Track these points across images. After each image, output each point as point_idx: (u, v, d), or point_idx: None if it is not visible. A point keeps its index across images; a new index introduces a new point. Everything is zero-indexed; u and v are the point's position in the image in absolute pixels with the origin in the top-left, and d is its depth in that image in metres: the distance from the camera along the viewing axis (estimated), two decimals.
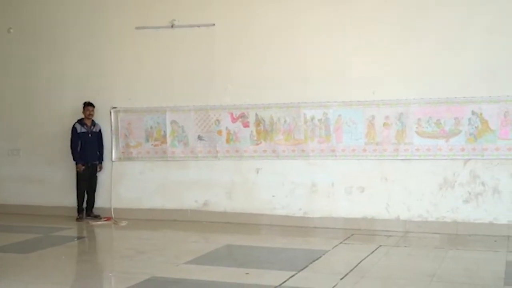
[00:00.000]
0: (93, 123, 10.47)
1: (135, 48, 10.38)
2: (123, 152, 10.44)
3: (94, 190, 10.54)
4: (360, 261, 7.19)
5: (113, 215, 10.33)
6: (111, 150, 10.49)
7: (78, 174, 10.41)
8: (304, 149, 9.41)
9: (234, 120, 9.75)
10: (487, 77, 8.49)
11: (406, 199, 8.94)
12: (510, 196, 8.47)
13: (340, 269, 6.86)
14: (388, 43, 8.97)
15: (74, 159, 10.39)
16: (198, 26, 9.92)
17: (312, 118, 9.35)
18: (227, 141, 9.80)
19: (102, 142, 10.54)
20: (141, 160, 10.35)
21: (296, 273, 6.69)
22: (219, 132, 9.84)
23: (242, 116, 9.71)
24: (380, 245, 8.06)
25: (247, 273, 6.76)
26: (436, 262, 7.19)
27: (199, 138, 9.96)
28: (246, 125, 9.69)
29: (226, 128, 9.80)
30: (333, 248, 7.98)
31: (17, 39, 11.14)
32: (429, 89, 8.75)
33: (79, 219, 10.38)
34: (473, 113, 8.58)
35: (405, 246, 8.22)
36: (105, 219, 10.31)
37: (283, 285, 6.27)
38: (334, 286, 6.20)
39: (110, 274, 7.21)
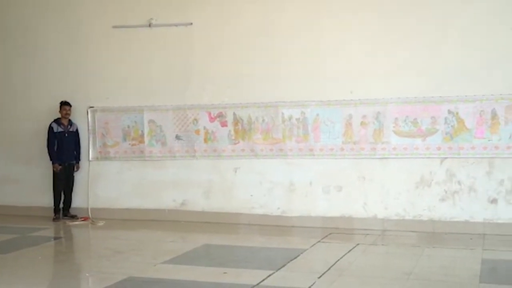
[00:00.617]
0: (70, 123, 10.39)
1: (112, 47, 10.32)
2: (100, 152, 10.38)
3: (71, 190, 10.46)
4: (338, 260, 7.22)
5: (90, 215, 10.26)
6: (88, 149, 10.42)
7: (54, 174, 10.32)
8: (282, 148, 9.42)
9: (212, 119, 9.73)
10: (463, 76, 8.57)
11: (383, 197, 9.00)
12: (486, 194, 8.56)
13: (317, 268, 6.88)
14: (366, 43, 9.01)
15: (50, 159, 10.30)
16: (176, 25, 9.89)
17: (290, 118, 9.36)
18: (205, 140, 9.79)
19: (79, 141, 10.46)
20: (119, 160, 10.30)
21: (274, 272, 6.69)
22: (197, 132, 9.82)
23: (220, 115, 9.70)
24: (358, 244, 8.10)
25: (225, 273, 6.75)
26: (413, 260, 7.24)
27: (177, 137, 9.94)
28: (224, 124, 9.68)
29: (204, 127, 9.78)
30: (311, 247, 8.00)
31: None
32: (406, 89, 8.81)
33: (56, 219, 10.29)
34: (449, 112, 8.65)
35: (383, 245, 8.28)
36: (82, 219, 10.24)
37: (260, 284, 6.28)
38: (311, 285, 6.21)
39: (87, 274, 7.17)
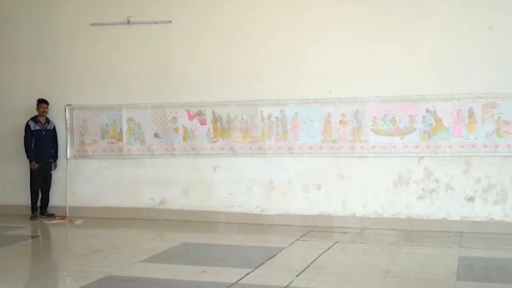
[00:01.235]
0: (47, 121, 10.30)
1: (90, 45, 10.24)
2: (78, 150, 10.31)
3: (49, 189, 10.38)
4: (316, 258, 7.24)
5: (68, 214, 10.19)
6: (66, 147, 10.34)
7: (32, 172, 10.24)
8: (261, 147, 9.43)
9: (191, 117, 9.71)
10: (440, 75, 8.64)
11: (362, 196, 9.04)
12: (463, 192, 8.64)
13: (296, 266, 6.90)
14: (344, 42, 9.04)
15: (28, 157, 10.21)
16: (155, 23, 9.85)
17: (269, 116, 9.37)
18: (184, 138, 9.76)
19: (56, 139, 10.37)
20: (97, 158, 10.23)
21: (253, 270, 6.70)
22: (176, 130, 9.79)
23: (199, 113, 9.68)
24: (336, 242, 8.13)
25: (203, 271, 6.74)
26: (391, 258, 7.29)
27: (156, 135, 9.90)
28: (203, 122, 9.67)
29: (183, 125, 9.75)
30: (289, 245, 8.01)
31: None
32: (385, 87, 8.86)
33: (33, 217, 10.20)
34: (427, 111, 8.72)
35: (361, 243, 8.32)
36: (60, 217, 10.16)
37: (239, 282, 6.28)
38: (290, 283, 6.22)
39: (65, 274, 7.11)
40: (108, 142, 10.13)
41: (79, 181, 10.35)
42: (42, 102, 10.20)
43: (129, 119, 9.99)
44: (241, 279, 6.37)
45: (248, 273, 6.58)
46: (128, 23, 9.95)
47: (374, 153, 8.96)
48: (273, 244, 8.14)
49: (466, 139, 8.58)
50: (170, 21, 9.77)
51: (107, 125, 10.12)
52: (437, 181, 8.74)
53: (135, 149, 10.02)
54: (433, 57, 8.68)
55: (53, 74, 10.41)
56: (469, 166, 8.62)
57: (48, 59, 10.43)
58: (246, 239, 8.65)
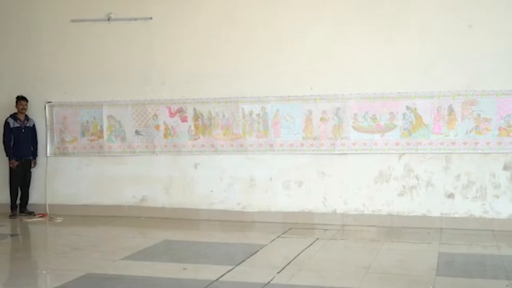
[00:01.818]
0: (27, 118, 10.21)
1: (70, 41, 10.17)
2: (58, 148, 10.24)
3: (28, 187, 10.30)
4: (297, 255, 7.26)
5: (48, 212, 10.11)
6: (46, 145, 10.26)
7: (11, 170, 10.15)
8: (243, 144, 9.42)
9: (172, 114, 9.68)
10: (421, 73, 8.69)
11: (342, 192, 9.08)
12: (443, 189, 8.70)
13: (277, 263, 6.90)
14: (326, 40, 9.06)
15: (7, 155, 10.12)
16: (135, 19, 9.80)
17: (251, 113, 9.37)
18: (165, 136, 9.73)
19: (36, 137, 10.29)
20: (77, 156, 10.17)
21: (234, 267, 6.70)
22: (157, 127, 9.76)
23: (180, 110, 9.65)
24: (317, 238, 8.16)
25: (184, 268, 6.73)
26: (372, 254, 7.32)
27: (137, 133, 9.86)
28: (184, 119, 9.64)
29: (164, 122, 9.72)
30: (270, 242, 8.02)
31: None
32: (365, 85, 8.89)
33: (12, 216, 10.12)
34: (407, 108, 8.76)
35: (342, 239, 8.35)
36: (40, 215, 10.08)
37: (220, 279, 6.27)
38: (271, 280, 6.23)
39: (44, 272, 7.06)
40: (88, 140, 10.07)
41: (59, 178, 10.28)
42: (21, 99, 10.11)
43: (110, 116, 9.94)
44: (222, 276, 6.38)
45: (229, 270, 6.58)
46: (108, 19, 9.89)
47: (355, 150, 8.99)
48: (254, 241, 8.15)
49: (446, 136, 8.64)
50: (151, 18, 9.73)
51: (87, 122, 10.06)
52: (417, 177, 8.79)
53: (115, 146, 9.97)
54: (414, 55, 8.72)
55: (33, 71, 10.32)
56: (449, 163, 8.68)
57: (28, 56, 10.34)
58: (228, 236, 8.65)
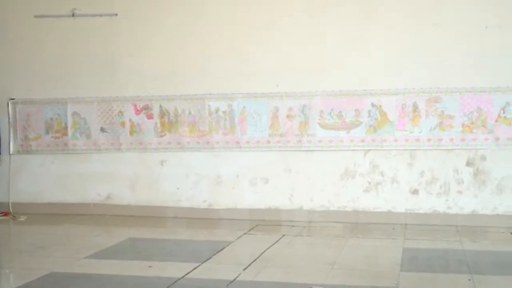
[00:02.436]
0: None
1: (34, 37, 10.01)
2: (21, 145, 10.09)
3: None
4: (264, 251, 7.27)
5: (11, 210, 9.96)
6: (9, 143, 10.09)
7: None
8: (209, 141, 9.41)
9: (137, 111, 9.62)
10: (385, 70, 8.76)
11: (309, 189, 9.12)
12: (408, 185, 8.80)
13: (243, 260, 6.90)
14: (292, 37, 9.08)
15: None
16: (100, 15, 9.69)
17: (217, 110, 9.35)
18: (131, 133, 9.66)
19: None
20: (41, 153, 10.03)
21: (200, 265, 6.68)
22: (123, 124, 9.68)
23: (146, 108, 9.59)
24: (284, 235, 8.18)
25: (150, 266, 6.69)
26: (337, 250, 7.37)
27: (102, 130, 9.77)
28: (150, 116, 9.58)
29: (130, 119, 9.64)
30: (237, 239, 8.02)
31: None
32: (331, 82, 8.93)
33: None
34: (372, 105, 8.83)
35: (308, 235, 8.39)
36: (3, 214, 9.93)
37: (186, 277, 6.25)
38: (237, 277, 6.23)
39: (7, 271, 6.94)
40: (52, 137, 9.95)
41: (23, 176, 10.13)
42: None
43: (74, 113, 9.83)
44: (188, 273, 6.36)
45: (195, 268, 6.57)
46: (73, 15, 9.77)
47: (321, 147, 9.04)
48: (221, 238, 8.13)
49: (411, 132, 8.73)
50: (116, 14, 9.64)
51: (51, 119, 9.93)
52: (382, 174, 8.88)
53: (80, 144, 9.86)
54: (378, 53, 8.79)
55: None
56: (414, 160, 8.78)
57: None
58: (194, 234, 8.62)
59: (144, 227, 8.95)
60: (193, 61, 9.37)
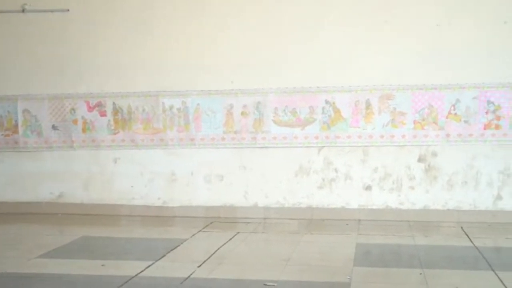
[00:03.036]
0: None
1: None
2: None
3: None
4: (218, 248, 7.27)
5: None
6: None
7: None
8: (163, 138, 9.35)
9: (90, 109, 9.49)
10: (339, 68, 8.83)
11: (264, 186, 9.15)
12: (361, 181, 8.90)
13: (198, 257, 6.89)
14: (246, 33, 9.07)
15: None
16: (52, 11, 9.52)
17: (171, 107, 9.30)
18: (83, 130, 9.54)
19: None
20: None
21: (154, 263, 6.65)
22: (75, 121, 9.55)
23: (99, 105, 9.48)
24: (238, 232, 8.19)
25: (103, 265, 6.63)
26: (292, 246, 7.41)
27: (54, 127, 9.62)
28: (103, 114, 9.47)
29: (82, 117, 9.52)
30: (191, 236, 8.00)
31: None
32: (285, 79, 8.97)
33: None
34: (326, 102, 8.91)
35: (263, 232, 8.41)
36: None
37: (139, 275, 6.22)
38: (191, 274, 6.23)
39: None
40: (2, 135, 9.74)
41: None
42: None
43: (25, 111, 9.64)
44: (141, 271, 6.32)
45: (149, 266, 6.53)
46: (23, 11, 9.57)
47: (275, 144, 9.07)
48: (175, 236, 8.09)
49: (364, 129, 8.84)
50: (68, 10, 9.49)
51: (1, 117, 9.71)
52: (336, 170, 8.96)
53: (32, 141, 9.69)
54: (332, 50, 8.85)
55: None
56: (367, 156, 8.89)
57: None
58: (148, 232, 8.56)
59: (98, 226, 8.85)
60: (147, 57, 9.29)
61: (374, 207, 8.87)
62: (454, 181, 8.72)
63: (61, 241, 7.87)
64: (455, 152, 8.70)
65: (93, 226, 8.82)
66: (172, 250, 7.25)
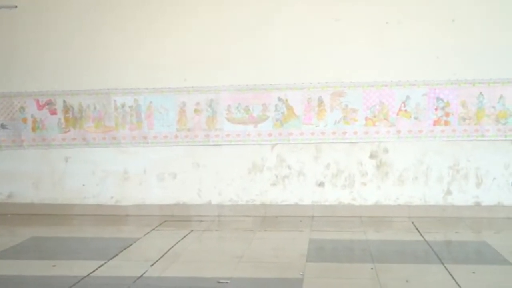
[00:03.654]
0: None
1: None
2: None
3: None
4: (172, 247, 7.24)
5: None
6: None
7: None
8: (115, 137, 9.25)
9: (40, 107, 9.33)
10: (291, 65, 8.87)
11: (217, 183, 9.13)
12: (314, 178, 8.97)
13: (151, 256, 6.84)
14: (198, 31, 9.04)
15: None
16: None
17: (123, 105, 9.21)
18: (33, 129, 9.37)
19: None
20: None
21: (106, 262, 6.58)
22: (24, 120, 9.37)
23: (49, 103, 9.32)
24: (192, 230, 8.17)
25: (54, 265, 6.53)
26: (246, 243, 7.43)
27: (2, 126, 9.42)
28: (53, 112, 9.32)
29: (32, 115, 9.34)
30: (144, 235, 7.94)
31: None
32: (238, 77, 8.96)
33: None
34: (279, 99, 8.94)
35: (217, 230, 8.41)
36: None
37: (91, 274, 6.14)
38: (144, 273, 6.18)
39: None
40: None
41: None
42: None
43: None
44: (93, 271, 6.25)
45: (101, 265, 6.46)
46: None
47: (228, 141, 9.07)
48: (128, 235, 8.02)
49: (316, 126, 8.90)
50: (16, 6, 9.30)
51: None
52: (289, 167, 9.01)
53: None
54: (284, 47, 8.88)
55: None
56: (319, 153, 8.96)
57: None
58: (100, 231, 8.46)
59: (48, 226, 8.71)
60: (97, 55, 9.17)
61: (327, 203, 8.95)
62: (405, 177, 8.86)
63: (11, 241, 7.71)
64: (405, 148, 8.84)
65: (44, 226, 8.68)
66: (125, 249, 7.19)
